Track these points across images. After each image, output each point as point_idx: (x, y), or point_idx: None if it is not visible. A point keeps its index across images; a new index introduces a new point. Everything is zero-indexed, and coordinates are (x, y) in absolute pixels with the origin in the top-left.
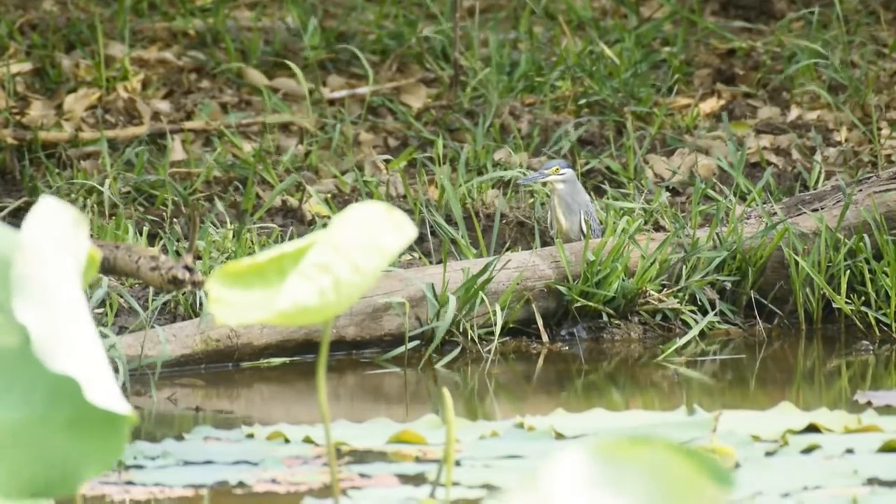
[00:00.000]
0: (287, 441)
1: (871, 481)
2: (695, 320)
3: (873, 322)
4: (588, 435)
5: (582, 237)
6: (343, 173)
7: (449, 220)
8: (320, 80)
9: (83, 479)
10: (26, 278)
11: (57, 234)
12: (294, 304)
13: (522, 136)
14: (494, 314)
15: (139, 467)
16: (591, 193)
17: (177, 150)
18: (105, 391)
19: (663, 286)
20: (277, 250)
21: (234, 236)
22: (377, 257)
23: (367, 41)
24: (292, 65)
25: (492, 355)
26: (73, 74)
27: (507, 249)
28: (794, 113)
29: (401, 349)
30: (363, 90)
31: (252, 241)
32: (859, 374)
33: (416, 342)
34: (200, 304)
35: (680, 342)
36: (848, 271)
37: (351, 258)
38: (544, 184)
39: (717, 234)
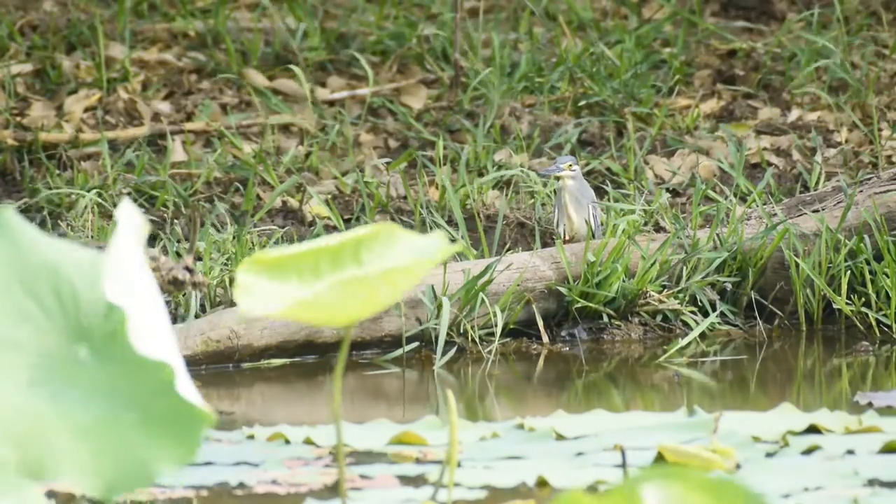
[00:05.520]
0: (287, 442)
1: (872, 482)
2: (695, 321)
3: (874, 323)
4: (589, 436)
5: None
6: (343, 174)
7: (450, 221)
8: (319, 81)
9: (158, 475)
10: (118, 267)
11: (135, 234)
12: (320, 303)
13: (523, 137)
14: (495, 315)
15: None
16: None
17: (177, 151)
18: (188, 386)
19: (664, 287)
20: (314, 244)
21: (234, 237)
22: (414, 277)
23: (368, 42)
24: (296, 69)
25: (492, 356)
26: (73, 75)
27: (508, 250)
28: (794, 114)
29: (401, 350)
30: (363, 91)
31: (252, 243)
32: (860, 374)
33: (416, 343)
34: (201, 304)
35: (680, 343)
36: (848, 272)
37: (387, 273)
38: (545, 183)
39: (717, 234)
